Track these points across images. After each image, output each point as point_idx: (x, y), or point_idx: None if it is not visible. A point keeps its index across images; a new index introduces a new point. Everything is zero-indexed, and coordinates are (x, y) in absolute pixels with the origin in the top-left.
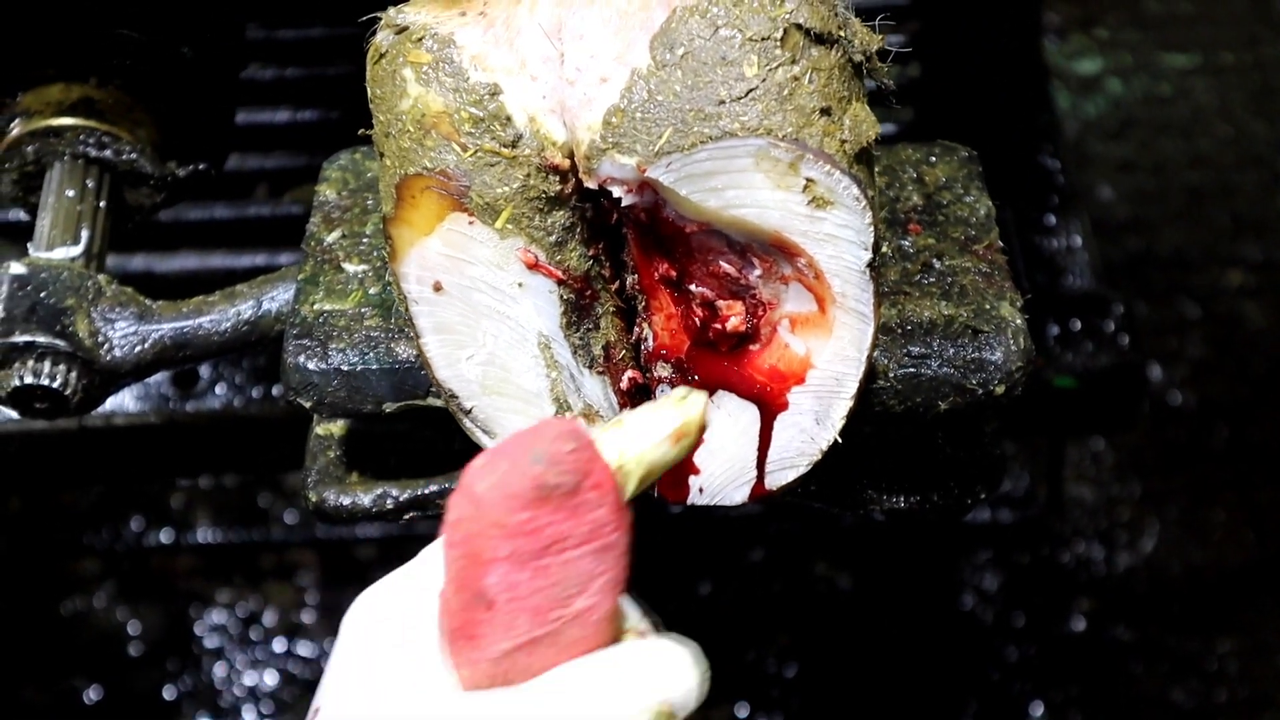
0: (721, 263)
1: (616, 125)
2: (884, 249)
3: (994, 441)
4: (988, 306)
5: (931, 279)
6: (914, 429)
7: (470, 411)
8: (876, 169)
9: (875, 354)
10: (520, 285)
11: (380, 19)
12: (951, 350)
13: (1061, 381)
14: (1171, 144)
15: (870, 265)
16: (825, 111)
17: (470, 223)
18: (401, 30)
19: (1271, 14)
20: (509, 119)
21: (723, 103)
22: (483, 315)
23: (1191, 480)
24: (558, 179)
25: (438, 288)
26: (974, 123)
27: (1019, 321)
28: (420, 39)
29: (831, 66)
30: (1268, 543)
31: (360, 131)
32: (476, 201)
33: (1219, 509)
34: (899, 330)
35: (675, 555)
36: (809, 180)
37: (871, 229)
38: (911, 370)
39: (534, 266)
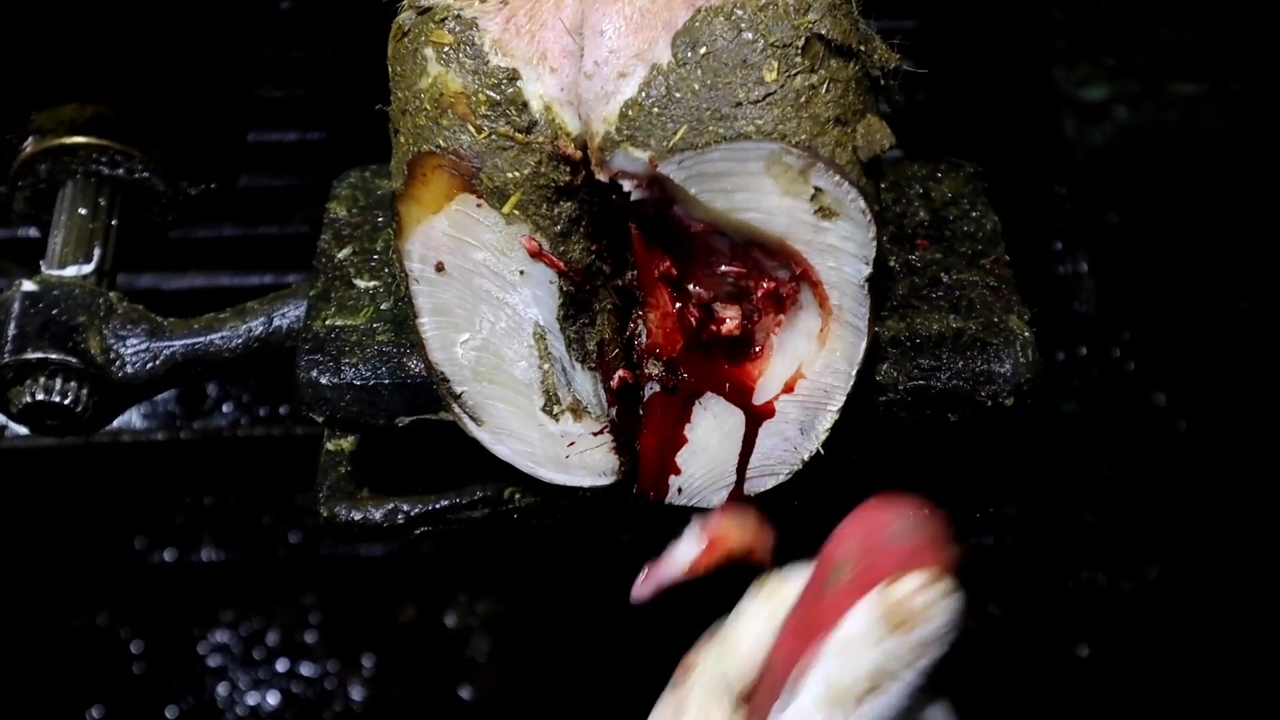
0: (723, 265)
1: (633, 119)
2: (891, 262)
3: (1002, 455)
4: (996, 319)
5: (939, 293)
6: (924, 442)
7: (460, 396)
8: (883, 185)
9: (884, 367)
10: (522, 273)
11: (403, 1)
12: (960, 363)
13: (1067, 407)
14: (1180, 171)
15: (869, 280)
16: (839, 122)
17: (478, 205)
18: (425, 11)
19: None
20: (525, 105)
21: (740, 104)
22: (482, 300)
23: (1196, 507)
24: (568, 169)
25: (440, 268)
26: (981, 147)
27: (1027, 334)
28: (443, 20)
29: (849, 78)
30: (1273, 571)
31: (378, 107)
32: (486, 184)
33: (1224, 535)
34: (908, 343)
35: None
36: (817, 189)
37: (874, 243)
38: (921, 383)
39: (537, 255)
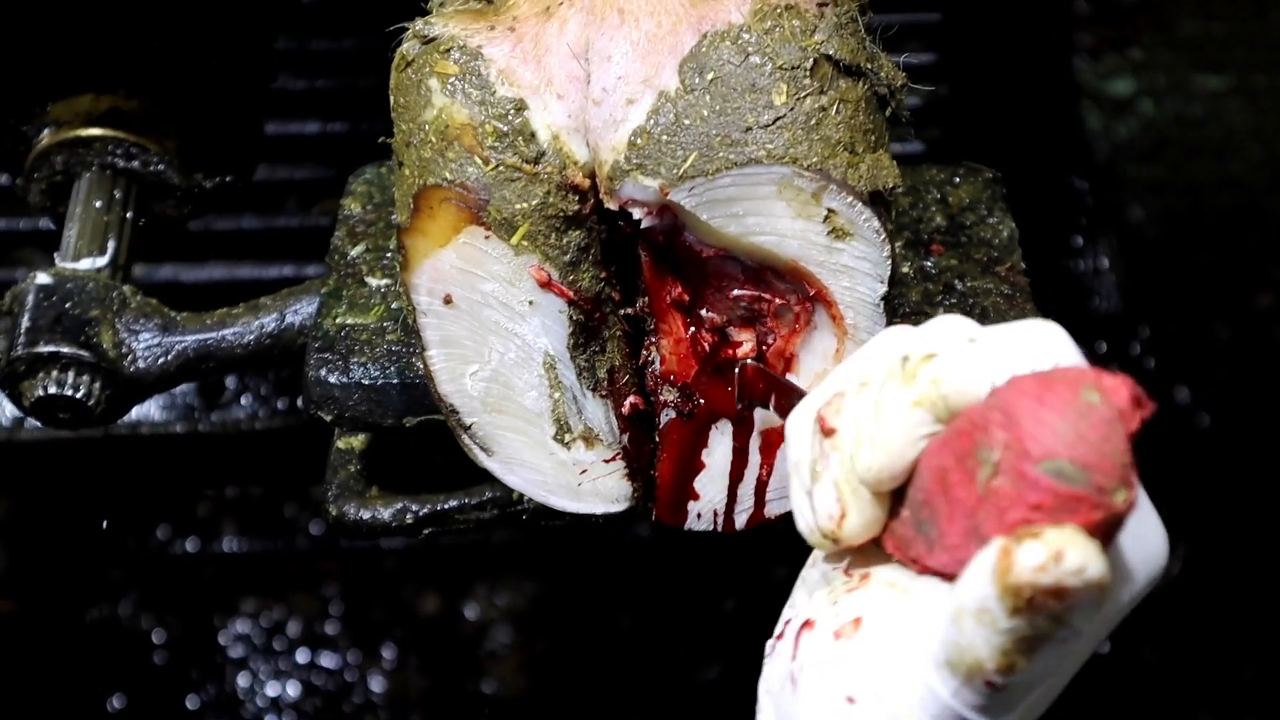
0: (735, 289)
1: (641, 147)
2: (905, 269)
3: None
4: None
5: (953, 300)
6: None
7: (470, 428)
8: (900, 189)
9: None
10: (531, 303)
11: (407, 29)
12: None
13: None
14: (1203, 166)
15: (885, 299)
16: (850, 143)
17: (486, 237)
18: (429, 41)
19: None
20: (533, 135)
21: (749, 129)
22: (490, 331)
23: (1219, 503)
24: (577, 199)
25: (448, 300)
26: (1003, 142)
27: None
28: (448, 50)
29: (858, 99)
30: None
31: (381, 140)
32: (494, 216)
33: (1247, 532)
34: None
35: (703, 568)
36: (830, 211)
37: (889, 262)
38: None
39: (546, 285)
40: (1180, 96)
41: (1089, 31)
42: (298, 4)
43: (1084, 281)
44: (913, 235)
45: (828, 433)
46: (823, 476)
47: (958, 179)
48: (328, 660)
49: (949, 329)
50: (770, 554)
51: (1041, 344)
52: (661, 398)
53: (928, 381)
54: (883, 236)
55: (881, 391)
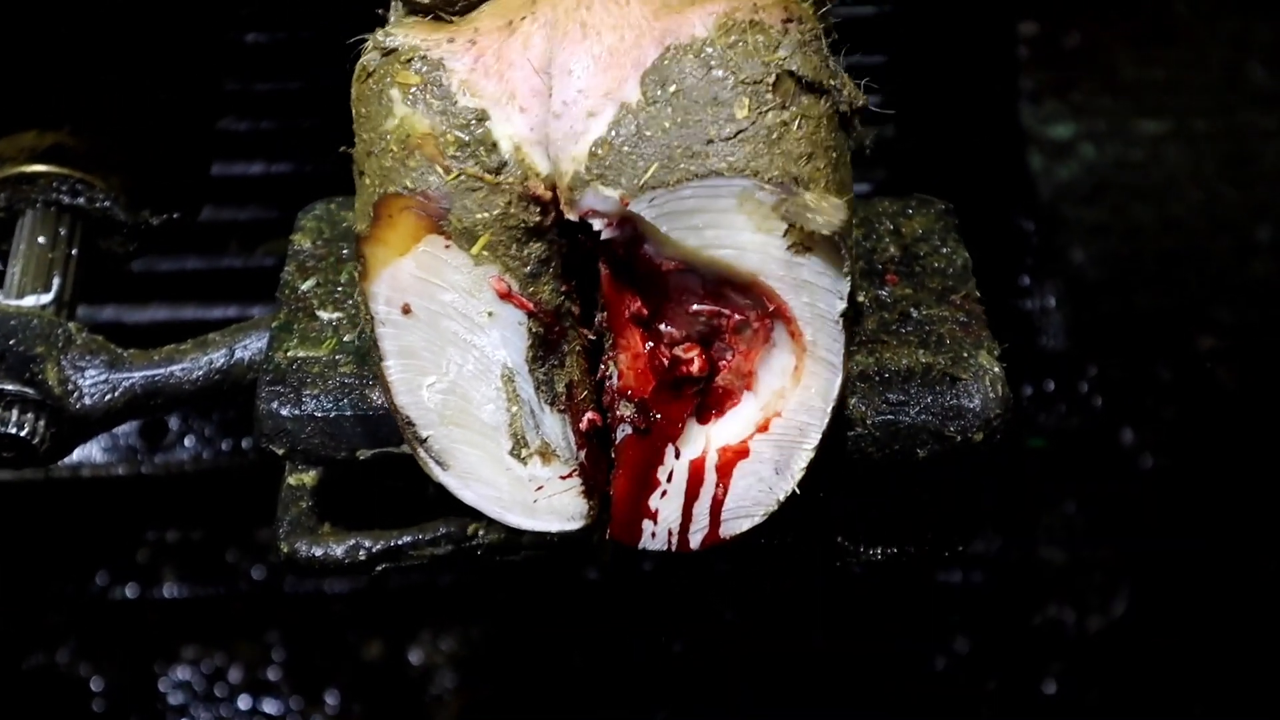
0: (694, 304)
1: (602, 157)
2: (860, 298)
3: (972, 491)
4: (965, 355)
5: (909, 328)
6: (893, 478)
7: (426, 441)
8: (854, 221)
9: (853, 402)
10: (490, 314)
11: (367, 40)
12: (930, 398)
13: (1034, 442)
14: (1144, 209)
15: (844, 315)
16: (810, 158)
17: (446, 246)
18: (389, 52)
19: (1244, 82)
20: (494, 145)
21: (711, 141)
22: (449, 342)
23: (1163, 543)
24: (538, 210)
25: (406, 310)
26: (949, 183)
27: (997, 369)
28: (409, 60)
29: (820, 115)
30: (1240, 607)
31: (341, 149)
32: (455, 225)
33: (1192, 572)
34: (877, 378)
35: (648, 611)
36: (791, 225)
37: (848, 278)
38: (890, 417)
39: (506, 296)
40: (1120, 140)
41: (1030, 76)
42: (241, 44)
43: (1032, 320)
44: (867, 265)
45: None
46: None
47: (910, 210)
48: (270, 706)
49: None
50: (718, 596)
51: None
52: (618, 413)
53: None
54: (843, 251)
55: None
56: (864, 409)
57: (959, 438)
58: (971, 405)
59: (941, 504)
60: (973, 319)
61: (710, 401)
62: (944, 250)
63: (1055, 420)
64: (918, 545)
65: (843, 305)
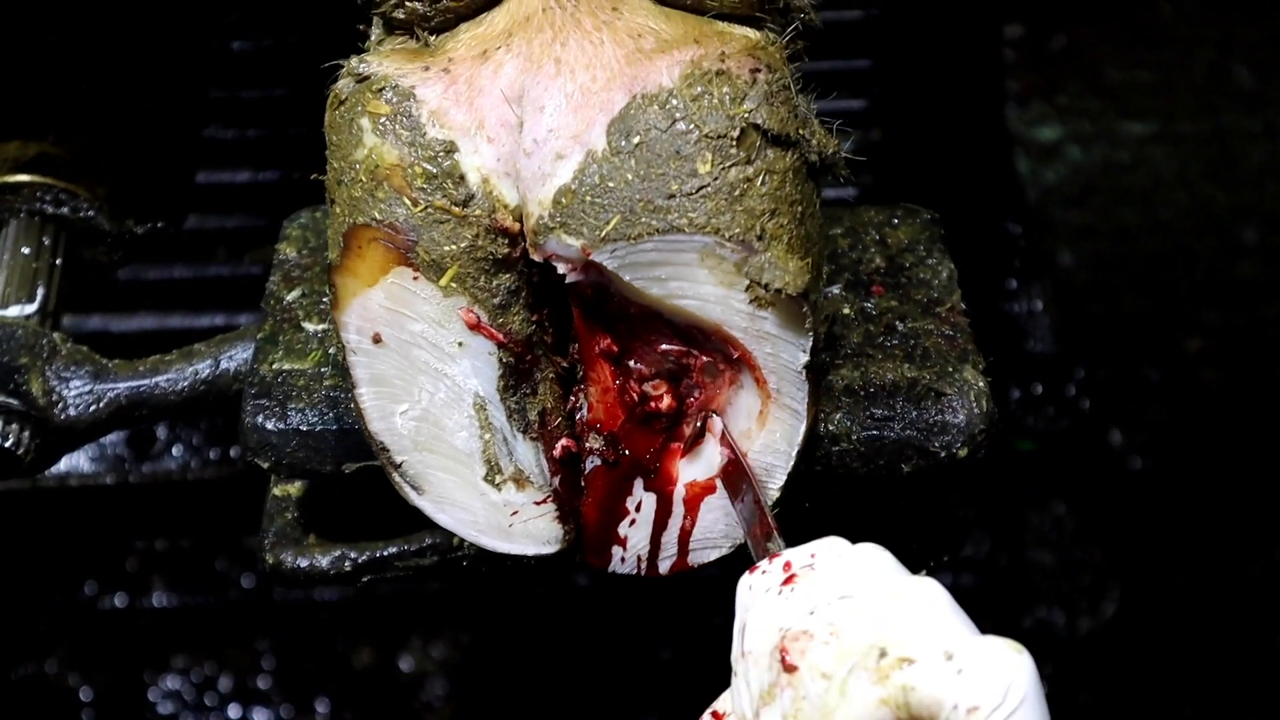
0: (663, 344)
1: (565, 205)
2: (846, 310)
3: (957, 504)
4: (950, 369)
5: (894, 341)
6: (878, 492)
7: (400, 466)
8: (839, 230)
9: (837, 416)
10: (460, 345)
11: (343, 66)
12: (914, 413)
13: (1022, 445)
14: (1130, 211)
15: (808, 367)
16: (774, 214)
17: (415, 278)
18: (363, 79)
19: (1228, 84)
20: (462, 178)
21: (673, 196)
22: (420, 371)
23: (1152, 545)
24: (506, 242)
25: (377, 340)
26: (936, 187)
27: (982, 384)
28: (381, 89)
29: (786, 169)
30: (1229, 609)
31: (313, 177)
32: (423, 258)
33: (1180, 574)
34: (862, 392)
35: (638, 616)
36: (752, 281)
37: (810, 334)
38: (874, 432)
39: (475, 327)
40: (1106, 143)
41: (1016, 78)
42: (228, 52)
43: (1019, 323)
44: (853, 276)
45: (789, 668)
46: (772, 705)
47: (896, 220)
48: (260, 715)
49: (927, 635)
50: (708, 602)
51: (1012, 683)
52: (588, 444)
53: (899, 686)
54: (804, 307)
55: (850, 678)
56: (849, 424)
57: (943, 453)
58: (956, 421)
59: (926, 517)
60: (958, 332)
61: (679, 435)
62: (929, 261)
63: (1044, 423)
64: (903, 557)
65: (805, 358)
